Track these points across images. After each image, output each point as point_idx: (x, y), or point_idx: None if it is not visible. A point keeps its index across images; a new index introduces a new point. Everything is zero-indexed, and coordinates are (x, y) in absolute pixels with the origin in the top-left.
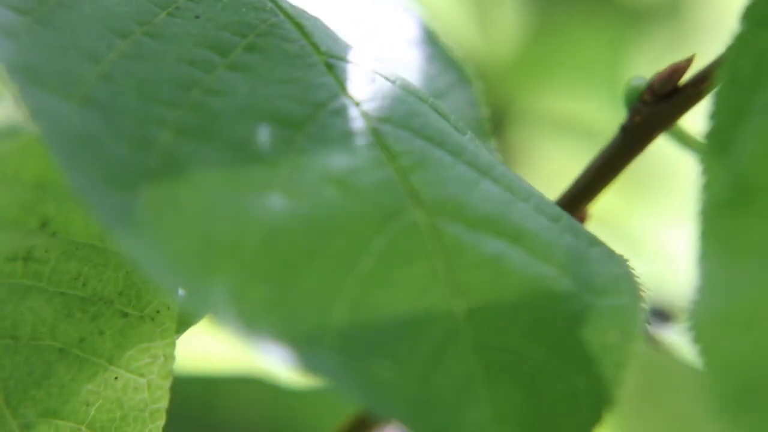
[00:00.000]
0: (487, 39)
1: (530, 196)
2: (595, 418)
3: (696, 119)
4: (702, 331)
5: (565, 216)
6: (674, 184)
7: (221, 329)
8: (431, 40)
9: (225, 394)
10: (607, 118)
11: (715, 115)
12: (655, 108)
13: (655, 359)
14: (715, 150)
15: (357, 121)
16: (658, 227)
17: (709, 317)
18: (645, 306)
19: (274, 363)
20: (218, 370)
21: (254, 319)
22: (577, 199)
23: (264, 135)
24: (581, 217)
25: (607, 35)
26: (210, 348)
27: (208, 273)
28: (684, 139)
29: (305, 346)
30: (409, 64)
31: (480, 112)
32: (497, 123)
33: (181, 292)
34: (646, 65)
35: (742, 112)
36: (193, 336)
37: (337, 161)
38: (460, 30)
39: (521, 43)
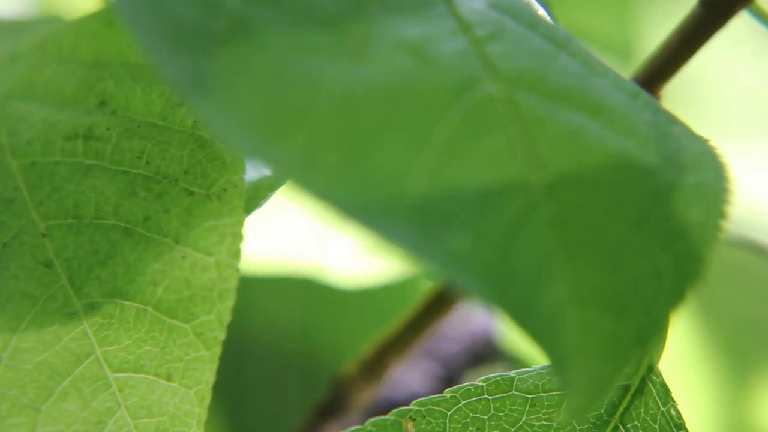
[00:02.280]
0: None
1: (608, 71)
2: (679, 296)
3: None
4: None
5: (644, 93)
6: (708, 104)
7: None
8: None
9: (266, 292)
10: (620, 34)
11: None
12: None
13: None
14: None
15: None
16: None
17: None
18: (729, 185)
19: (322, 260)
20: (263, 268)
21: (328, 185)
22: (653, 77)
23: (334, 0)
24: (657, 97)
25: None
26: (257, 247)
27: (280, 138)
28: (766, 16)
29: (381, 214)
30: None
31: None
32: None
33: (249, 166)
34: None
35: None
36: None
37: (411, 29)
38: None
39: None
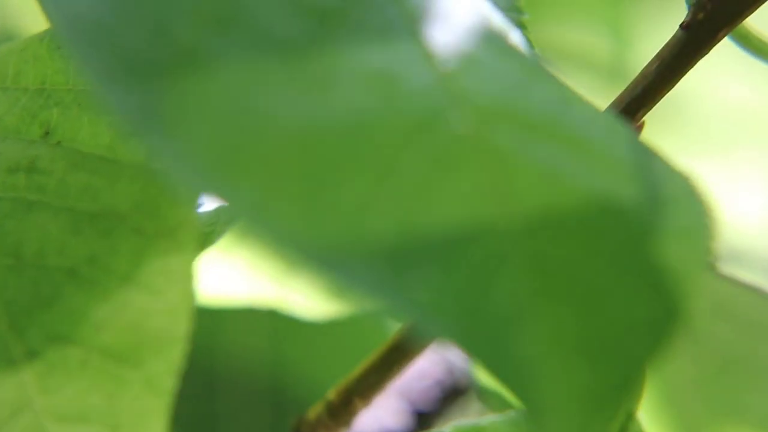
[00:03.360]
0: None
1: (584, 102)
2: (658, 343)
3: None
4: None
5: (622, 126)
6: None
7: (247, 243)
8: None
9: (232, 326)
10: (609, 55)
11: None
12: (721, 4)
13: (724, 286)
14: None
15: (396, 14)
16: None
17: None
18: (711, 225)
19: (288, 291)
20: (225, 301)
21: (285, 228)
22: (633, 106)
23: (293, 28)
24: (638, 127)
25: None
26: (217, 276)
27: (235, 177)
28: (750, 40)
29: (343, 259)
30: None
31: (521, 16)
32: None
33: (202, 206)
34: (651, 2)
35: None
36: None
37: (375, 59)
38: None
39: None
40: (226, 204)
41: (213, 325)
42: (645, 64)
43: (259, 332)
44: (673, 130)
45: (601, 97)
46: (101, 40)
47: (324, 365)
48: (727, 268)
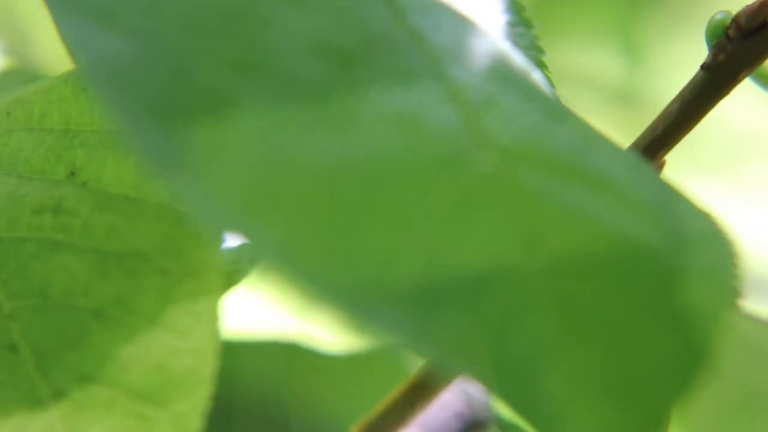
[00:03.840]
0: None
1: (606, 143)
2: (681, 388)
3: None
4: None
5: (645, 165)
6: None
7: (273, 283)
8: None
9: (252, 359)
10: (621, 76)
11: None
12: (741, 45)
13: (747, 322)
14: None
15: (419, 56)
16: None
17: None
18: (736, 265)
19: (309, 325)
20: (247, 334)
21: (312, 270)
22: (654, 146)
23: (317, 70)
24: (659, 166)
25: None
26: (240, 313)
27: (260, 219)
28: None
29: (370, 301)
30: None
31: (541, 55)
32: None
33: (226, 245)
34: (663, 23)
35: None
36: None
37: (398, 100)
38: None
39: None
40: (249, 244)
41: (233, 358)
42: (656, 83)
43: (280, 366)
44: (686, 153)
45: (615, 117)
46: (126, 82)
47: (344, 400)
48: (750, 297)
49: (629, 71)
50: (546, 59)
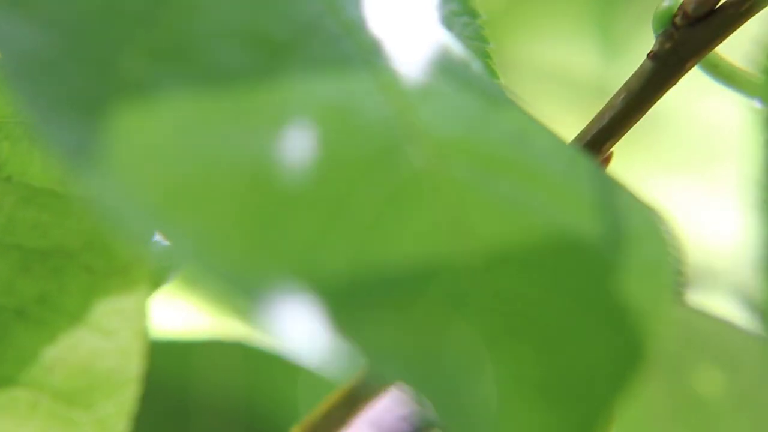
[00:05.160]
0: None
1: (546, 135)
2: (620, 386)
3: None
4: None
5: (586, 159)
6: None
7: (196, 286)
8: None
9: (199, 360)
10: (597, 69)
11: None
12: (689, 33)
13: (691, 320)
14: None
15: (351, 47)
16: (648, 180)
17: None
18: (676, 260)
19: (254, 325)
20: (192, 335)
21: (233, 268)
22: (600, 137)
23: (244, 60)
24: (606, 158)
25: None
26: (181, 313)
27: (178, 217)
28: (721, 69)
29: (291, 298)
30: None
31: (485, 46)
32: None
33: (153, 242)
34: (639, 16)
35: None
36: (164, 300)
37: (328, 91)
38: None
39: None
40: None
41: (182, 358)
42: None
43: (229, 364)
44: (647, 148)
45: (588, 111)
46: (43, 73)
47: (295, 396)
48: (700, 288)
49: (605, 65)
50: (521, 54)
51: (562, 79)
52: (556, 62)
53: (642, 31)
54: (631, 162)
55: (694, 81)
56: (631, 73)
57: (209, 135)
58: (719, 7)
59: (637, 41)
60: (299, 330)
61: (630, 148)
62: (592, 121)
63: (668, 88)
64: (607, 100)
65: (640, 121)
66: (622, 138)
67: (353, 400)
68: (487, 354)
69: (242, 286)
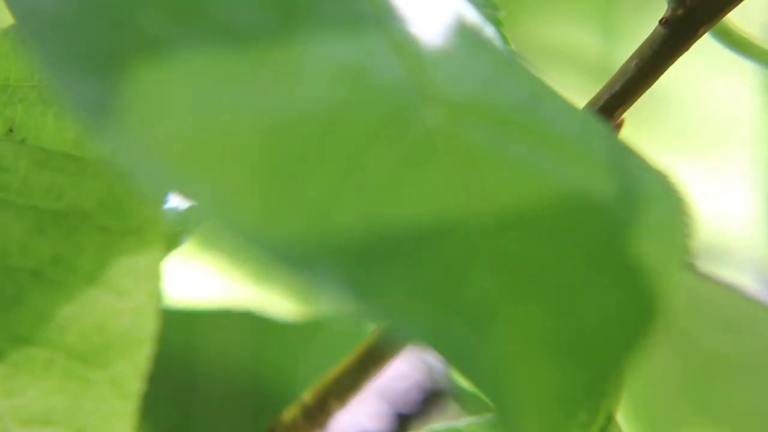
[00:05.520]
0: None
1: (558, 98)
2: (634, 343)
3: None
4: None
5: (598, 122)
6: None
7: (212, 246)
8: None
9: (209, 328)
10: (596, 49)
11: None
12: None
13: (701, 287)
14: None
15: (365, 6)
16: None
17: None
18: (688, 222)
19: (265, 292)
20: (201, 303)
21: (249, 226)
22: (612, 103)
23: (257, 17)
24: (617, 124)
25: None
26: (191, 280)
27: (196, 174)
28: (732, 37)
29: (307, 257)
30: None
31: (497, 12)
32: None
33: (170, 204)
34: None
35: None
36: (174, 266)
37: (342, 50)
38: None
39: None
40: (192, 203)
41: (190, 327)
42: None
43: (237, 334)
44: (655, 127)
45: (589, 94)
46: (60, 32)
47: (303, 366)
48: (709, 267)
49: (605, 48)
50: (520, 34)
51: (564, 60)
52: (557, 44)
53: (644, 15)
54: (640, 142)
55: (702, 62)
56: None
57: (225, 93)
58: None
59: (638, 23)
60: (316, 288)
61: (639, 128)
62: (604, 87)
63: (680, 55)
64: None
65: (646, 101)
66: (632, 118)
67: (364, 366)
68: (499, 309)
69: (259, 245)
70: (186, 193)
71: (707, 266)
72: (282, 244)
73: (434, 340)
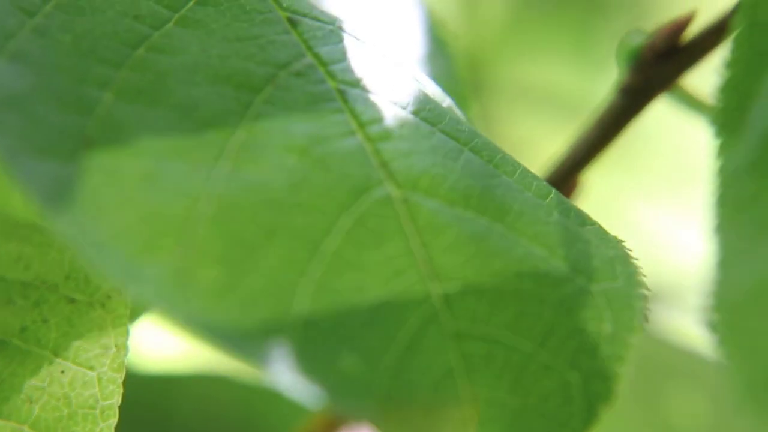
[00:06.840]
0: (469, 18)
1: (515, 169)
2: (590, 417)
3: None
4: (722, 314)
5: (554, 192)
6: (636, 154)
7: (166, 321)
8: (412, 7)
9: (183, 393)
10: (579, 90)
11: (732, 64)
12: (656, 67)
13: (657, 349)
14: (732, 105)
15: (323, 84)
16: (625, 201)
17: (730, 297)
18: (643, 291)
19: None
20: (175, 367)
21: (202, 306)
22: (572, 166)
23: (217, 98)
24: (573, 186)
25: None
26: (165, 343)
27: (151, 254)
28: (687, 100)
29: (261, 337)
30: (385, 28)
31: (459, 77)
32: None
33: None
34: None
35: (766, 59)
36: (147, 329)
37: (300, 128)
38: (443, 10)
39: (500, 21)
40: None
41: (163, 391)
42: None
43: (209, 396)
44: (624, 168)
45: (567, 130)
46: (16, 114)
47: (276, 427)
48: (668, 306)
49: (585, 83)
50: (508, 77)
51: (545, 98)
52: (539, 82)
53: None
54: (607, 185)
55: (668, 108)
56: (606, 92)
57: (184, 176)
58: (684, 44)
59: (614, 63)
60: (273, 369)
61: (606, 171)
62: (566, 150)
63: (636, 119)
64: (586, 115)
65: (616, 146)
66: (599, 161)
67: (331, 425)
68: (454, 385)
69: (210, 331)
70: (136, 273)
71: (664, 306)
72: (234, 327)
73: (383, 420)
